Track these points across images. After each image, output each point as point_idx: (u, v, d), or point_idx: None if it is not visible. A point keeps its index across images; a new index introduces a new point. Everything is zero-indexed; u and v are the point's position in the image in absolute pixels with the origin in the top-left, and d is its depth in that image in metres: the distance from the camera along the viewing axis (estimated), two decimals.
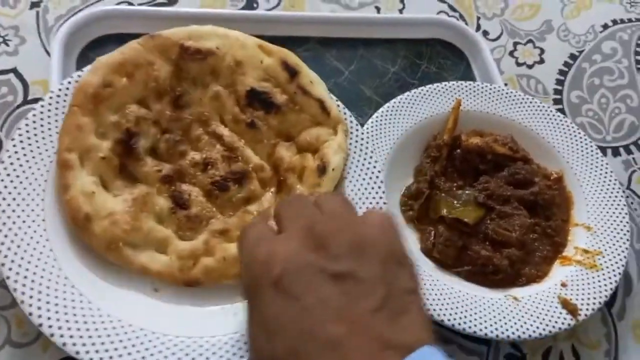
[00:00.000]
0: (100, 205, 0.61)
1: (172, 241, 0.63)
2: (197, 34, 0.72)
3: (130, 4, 0.90)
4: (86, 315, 0.56)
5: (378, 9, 1.01)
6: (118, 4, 0.89)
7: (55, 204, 0.62)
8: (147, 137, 0.68)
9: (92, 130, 0.64)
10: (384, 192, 0.71)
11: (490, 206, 0.76)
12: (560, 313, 0.69)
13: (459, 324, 0.66)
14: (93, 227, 0.60)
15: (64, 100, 0.67)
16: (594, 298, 0.70)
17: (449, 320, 0.65)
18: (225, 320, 0.61)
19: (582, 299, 0.70)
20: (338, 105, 0.76)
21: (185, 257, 0.62)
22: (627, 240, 0.75)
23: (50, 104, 0.66)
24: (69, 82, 0.68)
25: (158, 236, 0.63)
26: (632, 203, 0.87)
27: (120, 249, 0.60)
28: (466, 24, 1.02)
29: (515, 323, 0.67)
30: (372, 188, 0.71)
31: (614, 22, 1.08)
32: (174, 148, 0.69)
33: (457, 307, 0.67)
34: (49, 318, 0.54)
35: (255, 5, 0.96)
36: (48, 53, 0.82)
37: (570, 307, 0.69)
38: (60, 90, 0.67)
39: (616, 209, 0.78)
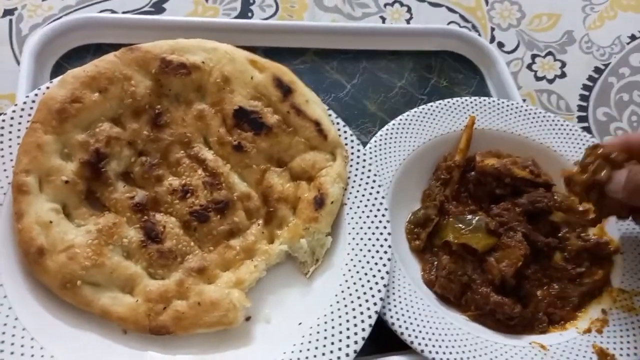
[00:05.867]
0: (57, 236, 0.53)
1: (141, 280, 0.54)
2: (182, 47, 0.65)
3: (114, 12, 0.83)
4: None
5: (383, 19, 0.94)
6: (101, 11, 0.82)
7: (11, 232, 0.55)
8: (119, 159, 0.60)
9: (55, 150, 0.57)
10: (388, 221, 0.62)
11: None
12: None
13: None
14: (46, 263, 0.52)
15: (29, 115, 0.59)
16: (635, 347, 0.60)
17: None
18: None
19: (621, 348, 0.60)
20: (337, 124, 0.68)
21: (154, 300, 0.53)
22: None
23: (12, 119, 0.59)
24: (36, 95, 0.61)
25: (124, 274, 0.54)
26: None
27: (78, 288, 0.52)
28: (479, 35, 0.95)
29: None
30: (375, 216, 0.63)
31: None
32: (150, 172, 0.60)
33: (469, 353, 0.58)
34: None
35: (250, 14, 0.89)
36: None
37: (607, 359, 0.59)
38: (25, 104, 0.60)
39: None
